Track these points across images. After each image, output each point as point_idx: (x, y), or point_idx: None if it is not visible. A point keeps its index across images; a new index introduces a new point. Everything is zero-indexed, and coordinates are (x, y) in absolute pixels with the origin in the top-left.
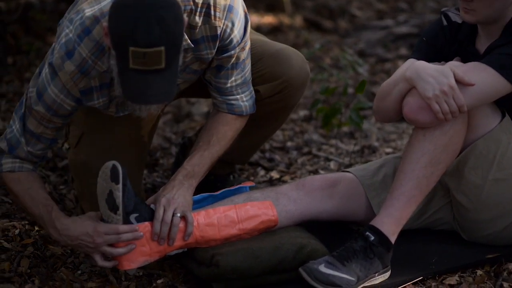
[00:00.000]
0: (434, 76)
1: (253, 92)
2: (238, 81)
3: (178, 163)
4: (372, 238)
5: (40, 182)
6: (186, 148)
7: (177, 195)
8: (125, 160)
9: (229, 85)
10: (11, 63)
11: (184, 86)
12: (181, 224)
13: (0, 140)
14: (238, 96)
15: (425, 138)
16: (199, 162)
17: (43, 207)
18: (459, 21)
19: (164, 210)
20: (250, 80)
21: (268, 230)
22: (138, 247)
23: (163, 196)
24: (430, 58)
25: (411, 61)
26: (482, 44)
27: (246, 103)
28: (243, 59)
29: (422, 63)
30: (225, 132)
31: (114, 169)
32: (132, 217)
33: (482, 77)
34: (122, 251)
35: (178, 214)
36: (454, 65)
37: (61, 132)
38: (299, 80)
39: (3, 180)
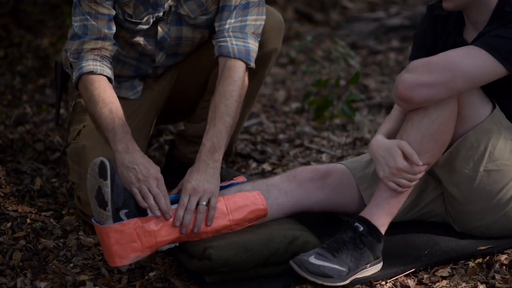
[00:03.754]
0: (384, 157)
1: (249, 45)
2: (234, 24)
3: (168, 169)
4: (361, 228)
5: (117, 101)
6: (173, 153)
7: (202, 182)
8: None
9: (227, 26)
10: (2, 56)
11: (186, 44)
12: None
13: (68, 44)
14: (227, 38)
15: (413, 127)
16: (214, 133)
17: (120, 127)
18: (445, 12)
19: (189, 198)
20: (250, 33)
21: (259, 221)
22: (130, 243)
23: (189, 182)
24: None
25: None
26: (469, 34)
27: (235, 46)
28: (250, 2)
29: (377, 141)
30: (224, 89)
31: (102, 165)
32: (122, 213)
33: (474, 59)
34: None
35: (204, 202)
36: (406, 141)
37: (112, 11)
38: (275, 22)
39: (82, 86)
